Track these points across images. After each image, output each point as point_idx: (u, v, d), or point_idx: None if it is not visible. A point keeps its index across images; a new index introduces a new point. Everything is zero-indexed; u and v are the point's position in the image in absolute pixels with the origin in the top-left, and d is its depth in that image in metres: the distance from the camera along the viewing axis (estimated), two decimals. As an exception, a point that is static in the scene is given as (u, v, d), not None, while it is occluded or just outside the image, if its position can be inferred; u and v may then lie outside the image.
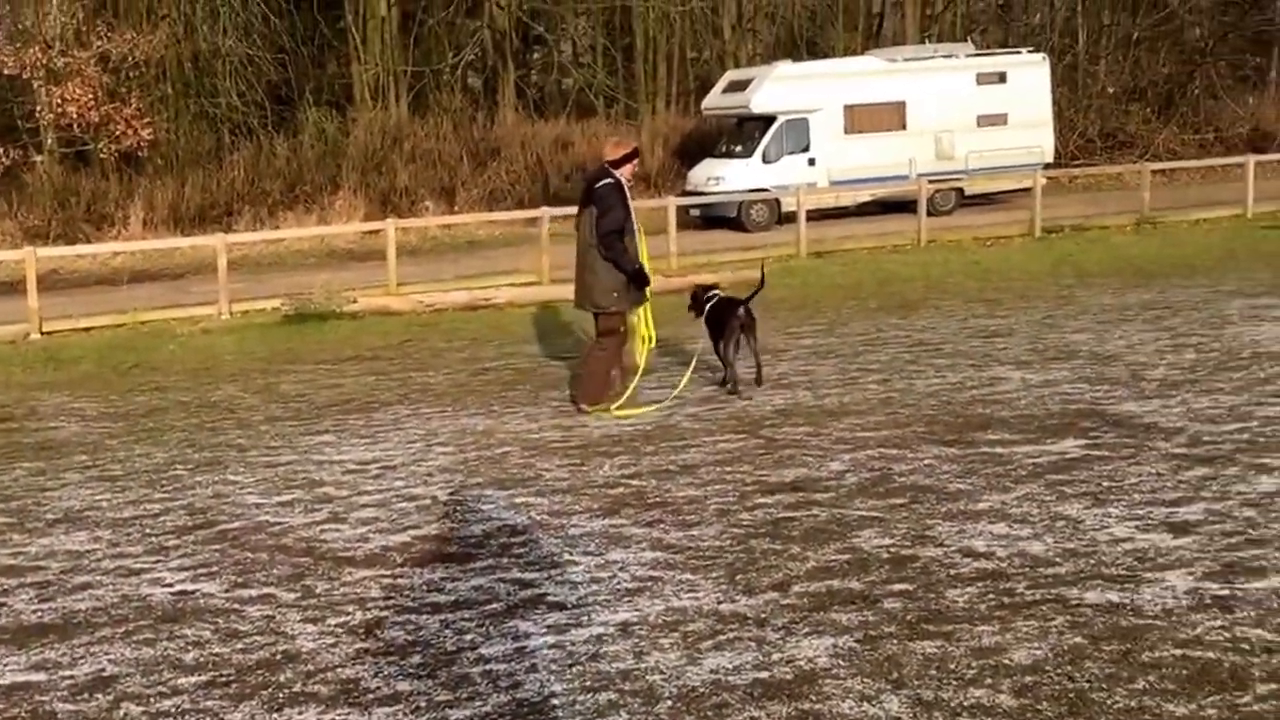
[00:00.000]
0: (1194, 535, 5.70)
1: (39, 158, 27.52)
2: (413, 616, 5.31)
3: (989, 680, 4.32)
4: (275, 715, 4.40)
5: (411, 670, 4.73)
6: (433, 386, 10.90)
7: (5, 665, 4.99)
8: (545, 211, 19.56)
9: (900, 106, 26.68)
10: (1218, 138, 33.52)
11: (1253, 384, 8.78)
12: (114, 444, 9.14)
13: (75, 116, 26.46)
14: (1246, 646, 4.46)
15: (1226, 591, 5.00)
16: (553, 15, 35.89)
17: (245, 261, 22.37)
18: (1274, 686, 4.12)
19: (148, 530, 6.80)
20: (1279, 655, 4.36)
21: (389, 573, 5.90)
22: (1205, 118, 34.40)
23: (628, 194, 9.24)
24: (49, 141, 27.75)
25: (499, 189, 29.09)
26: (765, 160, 25.95)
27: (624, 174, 9.31)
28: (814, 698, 4.26)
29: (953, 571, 5.42)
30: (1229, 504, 6.13)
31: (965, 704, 4.14)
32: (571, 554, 6.03)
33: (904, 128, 26.58)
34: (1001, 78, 27.58)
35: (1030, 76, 27.87)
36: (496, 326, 14.61)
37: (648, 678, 4.53)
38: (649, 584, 5.54)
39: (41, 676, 4.86)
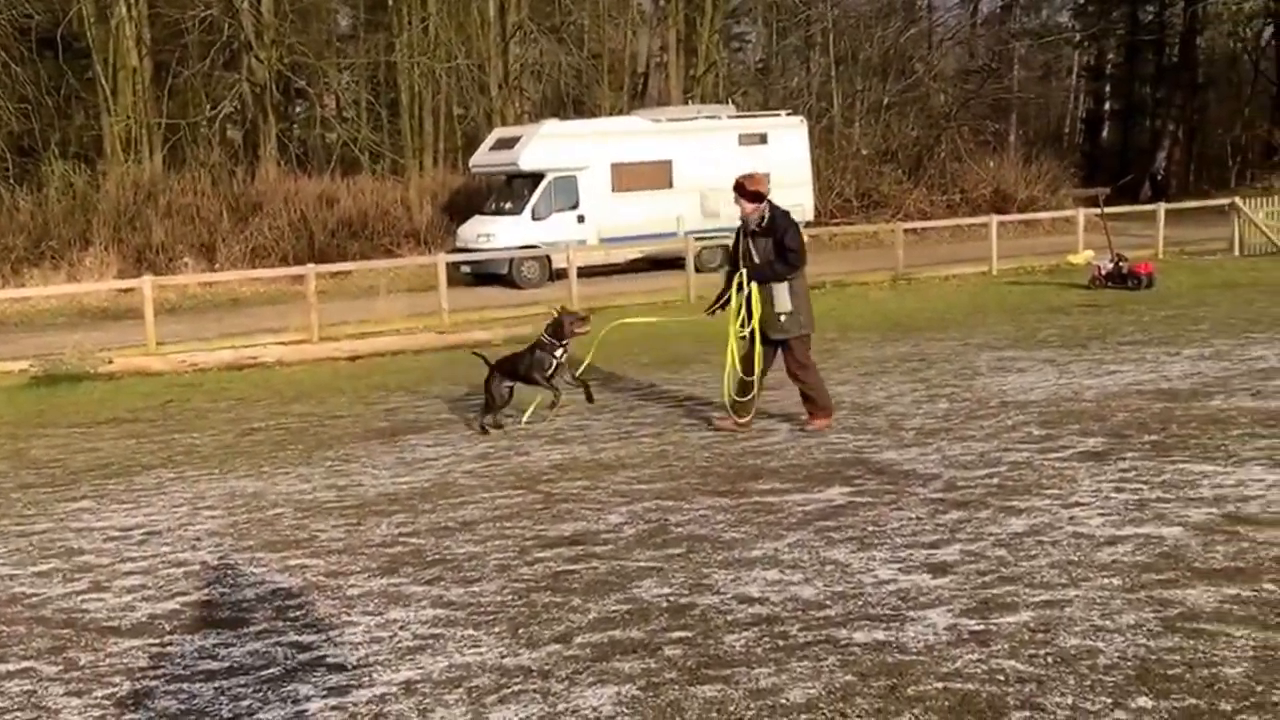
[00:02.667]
0: (951, 575, 6.00)
1: None
2: (185, 685, 5.14)
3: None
4: (39, 794, 4.20)
5: (185, 741, 4.59)
6: (198, 448, 10.57)
7: None
8: (311, 269, 19.25)
9: (666, 165, 27.37)
10: (963, 198, 35.49)
11: (1001, 431, 9.31)
12: None
13: None
14: (1002, 677, 4.73)
15: (982, 626, 5.29)
16: (314, 69, 35.44)
17: (-10, 321, 21.26)
18: (1028, 714, 4.38)
19: (-110, 606, 6.38)
20: (1031, 684, 4.64)
21: (157, 641, 5.70)
22: (951, 179, 36.39)
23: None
24: None
25: (262, 245, 28.46)
26: (535, 217, 26.20)
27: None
28: (599, 747, 4.32)
29: (729, 617, 5.57)
30: (982, 544, 6.49)
31: (745, 745, 4.27)
32: (350, 614, 5.95)
33: (670, 186, 27.26)
34: (763, 139, 28.65)
35: (789, 138, 29.04)
36: (264, 386, 14.26)
37: (433, 736, 4.51)
38: (431, 641, 5.51)
39: None
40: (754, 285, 9.60)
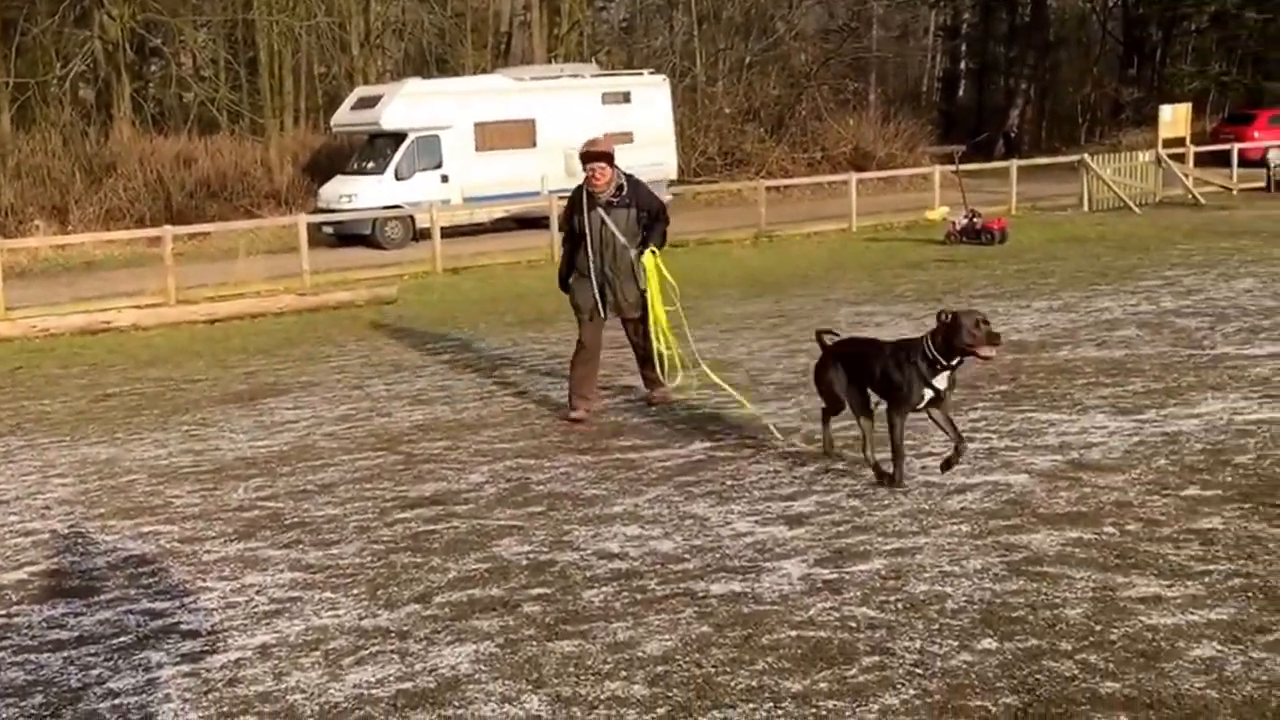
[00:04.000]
0: (807, 526, 6.13)
1: None
2: (32, 655, 5.03)
3: (624, 673, 4.52)
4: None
5: (33, 711, 4.49)
6: (49, 415, 10.27)
7: None
8: (168, 230, 18.75)
9: (530, 124, 27.19)
10: (824, 156, 35.89)
11: (857, 384, 9.49)
12: None
13: None
14: (854, 624, 4.86)
15: (835, 575, 5.42)
16: (170, 27, 34.35)
17: None
18: (877, 659, 4.51)
19: None
20: (881, 630, 4.78)
21: (3, 612, 5.56)
22: (812, 137, 36.76)
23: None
24: None
25: (117, 207, 27.61)
26: (398, 177, 25.84)
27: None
28: (457, 703, 4.34)
29: (589, 573, 5.62)
30: (837, 495, 6.64)
31: (602, 697, 4.33)
32: (205, 580, 5.87)
33: (534, 145, 27.09)
34: (626, 97, 28.62)
35: (653, 97, 29.05)
36: (119, 351, 13.89)
37: (288, 698, 4.48)
38: (288, 605, 5.46)
39: None
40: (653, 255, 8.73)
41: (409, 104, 26.14)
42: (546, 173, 26.41)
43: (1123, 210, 24.72)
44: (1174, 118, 29.17)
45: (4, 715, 4.46)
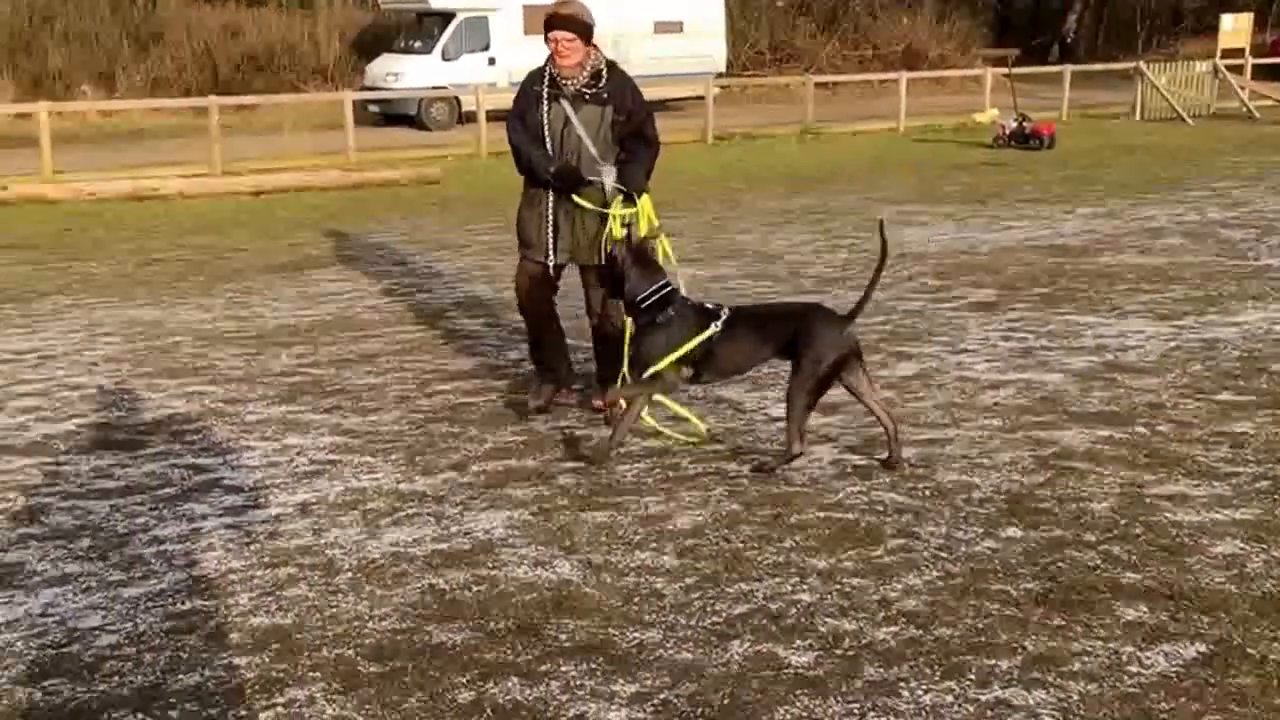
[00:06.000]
0: (840, 414, 6.18)
1: None
2: (79, 502, 5.18)
3: (654, 544, 4.62)
4: (-68, 602, 4.25)
5: (81, 553, 4.64)
6: (96, 277, 10.41)
7: None
8: (214, 101, 18.74)
9: (579, 9, 26.84)
10: (876, 55, 35.35)
11: (896, 282, 9.50)
12: None
13: None
14: (881, 508, 4.94)
15: (865, 462, 5.49)
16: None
17: (-126, 143, 20.51)
18: (903, 541, 4.59)
19: None
20: (908, 515, 4.85)
21: (52, 460, 5.71)
22: (864, 35, 36.17)
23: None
24: None
25: (163, 76, 27.61)
26: (445, 58, 25.67)
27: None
28: (490, 564, 4.46)
29: (622, 450, 5.71)
30: (871, 386, 6.67)
31: (631, 565, 4.43)
32: (247, 440, 6.00)
33: (579, 30, 26.77)
34: (677, -16, 28.20)
35: (706, -14, 28.60)
36: (165, 218, 14.00)
37: (327, 552, 4.62)
38: (327, 467, 5.59)
39: None
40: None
41: (459, -16, 25.88)
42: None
43: (1175, 121, 24.30)
44: (1235, 27, 28.52)
45: (52, 555, 4.62)
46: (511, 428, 6.10)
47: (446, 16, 25.91)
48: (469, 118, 23.27)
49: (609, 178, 6.02)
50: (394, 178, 16.73)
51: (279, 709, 3.51)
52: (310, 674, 3.69)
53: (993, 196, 14.29)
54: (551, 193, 6.06)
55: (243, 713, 3.49)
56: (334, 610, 4.11)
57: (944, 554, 4.47)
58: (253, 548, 4.67)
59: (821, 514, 4.89)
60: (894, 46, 35.63)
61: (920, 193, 14.90)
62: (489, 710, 3.49)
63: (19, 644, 3.91)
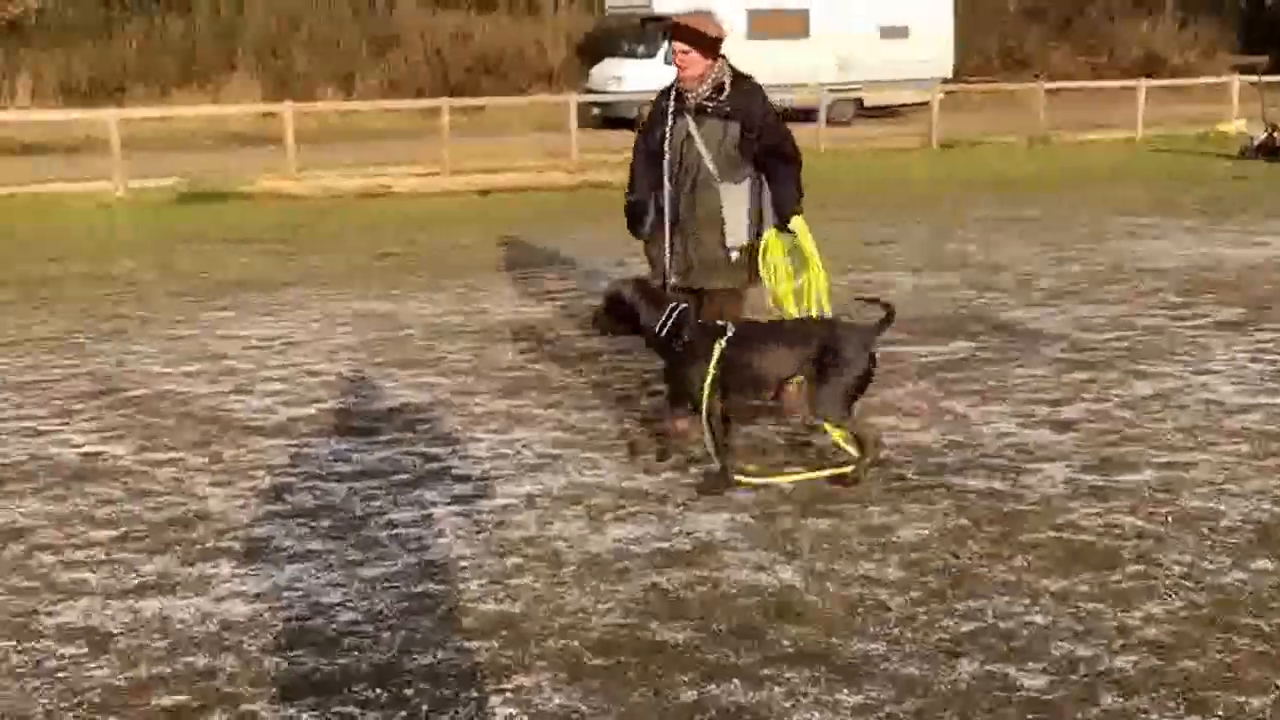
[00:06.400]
0: (1073, 432, 5.98)
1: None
2: (320, 483, 5.40)
3: (878, 555, 4.55)
4: (189, 569, 4.48)
5: (322, 532, 4.84)
6: (333, 269, 10.85)
7: (-89, 516, 5.01)
8: (446, 102, 19.34)
9: (804, 14, 26.78)
10: (1111, 61, 34.15)
11: (1133, 297, 9.14)
12: (8, 311, 9.01)
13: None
14: (1119, 531, 4.75)
15: (1102, 482, 5.29)
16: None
17: (138, 139, 21.76)
18: (1142, 567, 4.40)
19: (52, 394, 6.78)
20: (1150, 540, 4.65)
21: (295, 442, 5.97)
22: (1101, 41, 34.98)
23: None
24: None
25: (398, 78, 28.66)
26: (667, 62, 25.77)
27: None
28: (712, 566, 4.46)
29: (844, 457, 5.64)
30: (1107, 405, 6.44)
31: (855, 575, 4.37)
32: (475, 431, 6.15)
33: (807, 35, 26.68)
34: (906, -11, 27.81)
35: (935, -11, 28.13)
36: (396, 214, 14.52)
37: (552, 544, 4.69)
38: (551, 461, 5.68)
39: (-51, 528, 4.89)
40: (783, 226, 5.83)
41: (684, -12, 26.05)
42: (817, 64, 26.02)
43: None
44: None
45: (296, 533, 4.82)
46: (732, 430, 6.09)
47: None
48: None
49: (728, 197, 5.79)
50: (615, 180, 16.94)
51: (508, 694, 3.58)
52: (538, 663, 3.76)
53: (1239, 211, 13.62)
54: (667, 208, 5.88)
55: (474, 695, 3.57)
56: (560, 602, 4.18)
57: (1188, 583, 4.26)
58: (481, 536, 4.79)
59: (1054, 534, 4.73)
60: (1132, 53, 34.35)
61: (1158, 204, 14.30)
62: (712, 711, 3.49)
63: (267, 614, 4.10)
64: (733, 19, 25.85)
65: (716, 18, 5.82)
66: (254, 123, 24.09)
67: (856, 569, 4.43)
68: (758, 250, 5.85)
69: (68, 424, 6.26)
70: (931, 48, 27.45)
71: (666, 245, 5.90)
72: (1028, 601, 4.14)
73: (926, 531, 4.77)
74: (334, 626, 4.02)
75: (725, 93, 5.75)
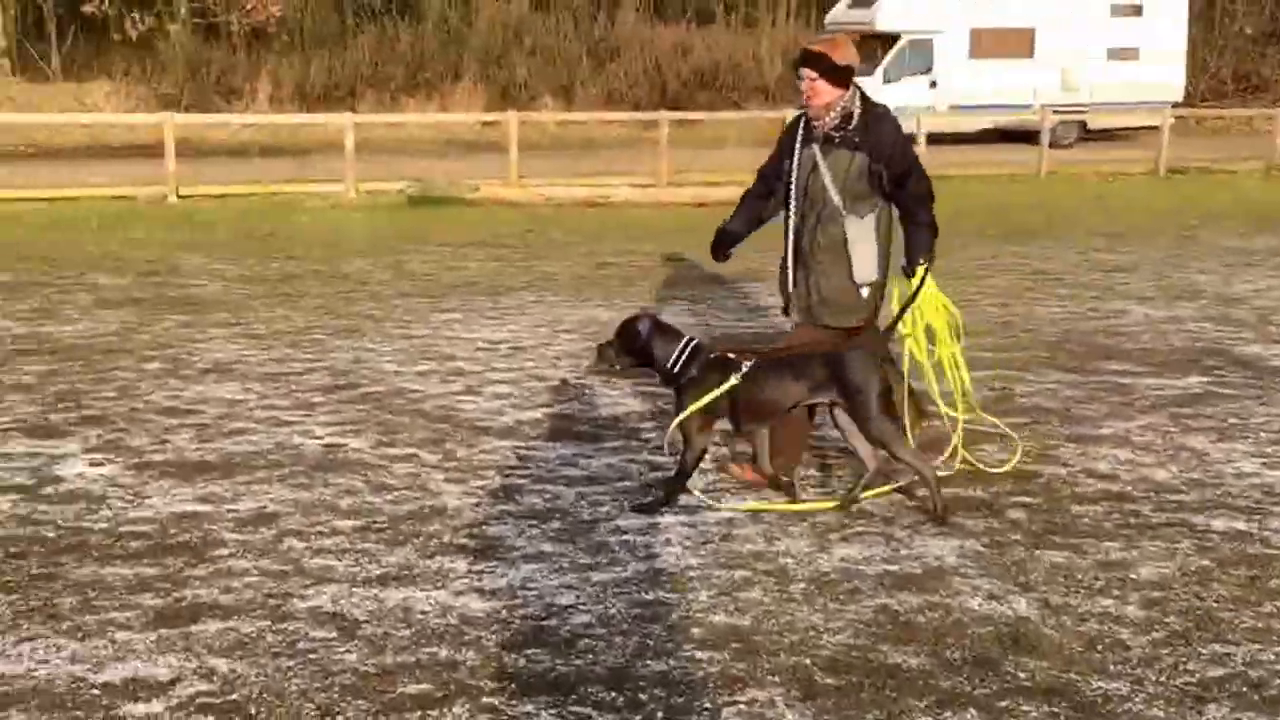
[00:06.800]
0: (1323, 475, 5.71)
1: (172, 26, 27.95)
2: (548, 486, 5.53)
3: (1116, 591, 4.43)
4: (427, 562, 4.65)
5: (552, 534, 4.96)
6: (555, 276, 11.09)
7: (175, 495, 5.33)
8: (664, 115, 19.57)
9: (1029, 33, 26.15)
10: (1357, 87, 32.39)
11: (1385, 336, 8.67)
12: (254, 305, 9.51)
13: (208, -13, 27.01)
14: (1375, 583, 4.52)
15: (1358, 530, 5.04)
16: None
17: (367, 144, 22.65)
18: (1402, 623, 4.18)
19: (294, 386, 7.12)
20: None
21: (523, 445, 6.13)
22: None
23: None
24: (182, 11, 28.17)
25: (616, 90, 29.10)
26: (885, 79, 25.63)
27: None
28: (943, 592, 4.41)
29: (1076, 489, 5.51)
30: (1360, 449, 6.13)
31: (1094, 611, 4.26)
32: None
33: (1031, 55, 26.07)
34: (1137, 10, 26.89)
35: (1167, 11, 27.12)
36: (614, 224, 14.75)
37: (780, 560, 4.71)
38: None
39: (208, 508, 5.19)
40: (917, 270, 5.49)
41: (906, 5, 25.79)
42: (1040, 85, 25.41)
43: None
44: None
45: (528, 534, 4.96)
46: (955, 456, 6.00)
47: (890, 38, 25.88)
48: (906, 140, 23.18)
49: (853, 231, 5.47)
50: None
51: (741, 706, 3.61)
52: (769, 677, 3.78)
53: None
54: (791, 241, 5.65)
55: (707, 705, 3.62)
56: (789, 618, 4.19)
57: None
58: (708, 547, 4.84)
59: (1305, 582, 4.52)
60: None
61: None
62: (947, 739, 3.46)
63: (503, 612, 4.23)
64: (955, 37, 25.57)
65: (850, 46, 5.57)
66: (475, 130, 24.84)
67: (1094, 605, 4.32)
68: (883, 287, 5.60)
69: (309, 416, 6.56)
70: (1162, 70, 26.48)
71: (790, 280, 5.70)
72: (1279, 650, 3.97)
73: (1167, 570, 4.62)
74: (568, 628, 4.12)
75: (853, 122, 5.46)
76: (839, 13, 28.12)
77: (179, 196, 16.07)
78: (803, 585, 4.47)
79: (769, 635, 4.06)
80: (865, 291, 5.52)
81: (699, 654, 3.93)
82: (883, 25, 25.90)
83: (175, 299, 9.70)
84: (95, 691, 3.69)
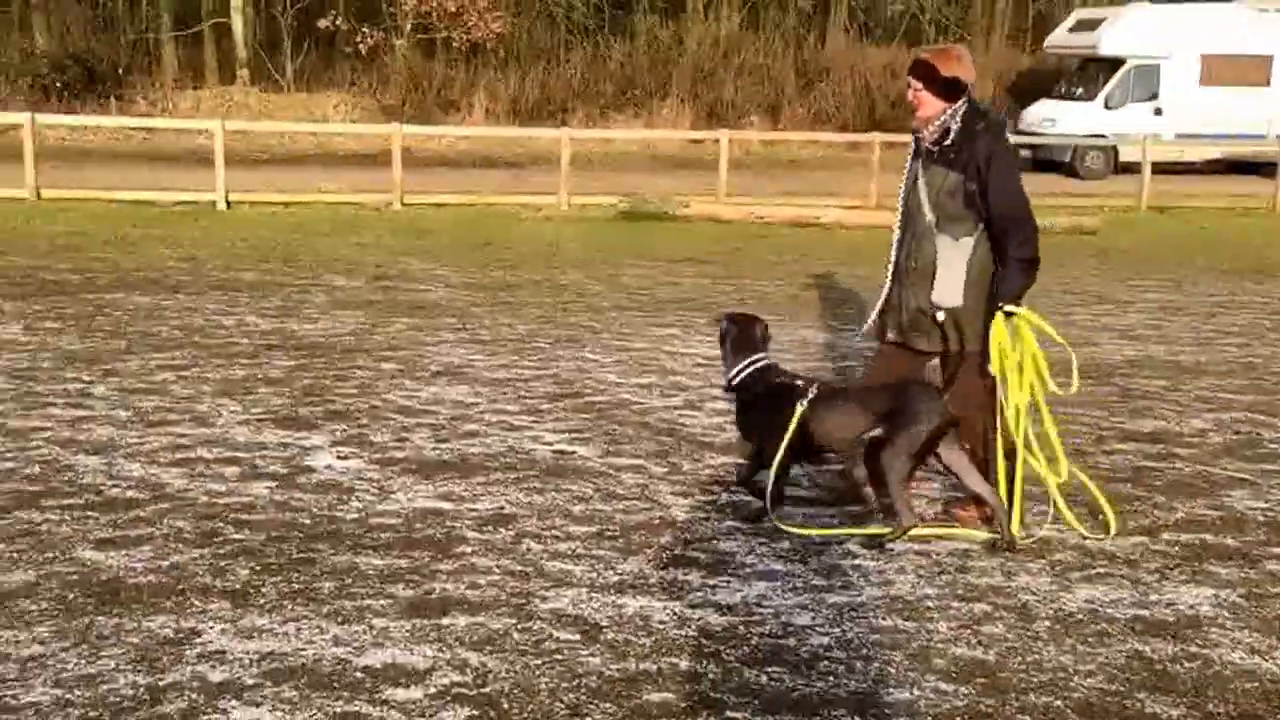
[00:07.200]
0: None
1: (398, 41, 28.91)
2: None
3: (1389, 654, 4.18)
4: (662, 572, 4.68)
5: (782, 553, 4.93)
6: (767, 295, 11.06)
7: (417, 491, 5.49)
8: (875, 137, 19.38)
9: (1265, 61, 25.07)
10: None
11: None
12: (479, 311, 9.74)
13: (435, 5, 27.75)
14: None
15: None
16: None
17: (577, 158, 23.05)
18: None
19: (521, 392, 7.26)
20: None
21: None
22: None
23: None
24: (408, 27, 29.11)
25: (824, 110, 28.93)
26: (1107, 105, 24.92)
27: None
28: (1200, 642, 4.23)
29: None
30: None
31: (1364, 673, 4.04)
32: (925, 471, 6.07)
33: (1267, 83, 24.98)
34: (1382, 40, 25.53)
35: None
36: (824, 245, 14.64)
37: (1020, 596, 4.59)
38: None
39: (449, 506, 5.33)
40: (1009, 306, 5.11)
41: (1132, 29, 25.00)
42: (1276, 115, 24.31)
43: None
44: None
45: (758, 551, 4.93)
46: (1203, 500, 5.76)
47: (1114, 63, 25.13)
48: (1125, 169, 22.45)
49: (943, 252, 5.22)
50: (1047, 225, 16.40)
51: (992, 744, 3.52)
52: (1019, 715, 3.68)
53: None
54: (892, 256, 5.48)
55: (958, 740, 3.54)
56: (1035, 656, 4.07)
57: None
58: (944, 578, 4.74)
59: None
60: None
61: None
62: (1214, 796, 3.30)
63: (740, 627, 4.22)
64: (1184, 64, 24.67)
65: (963, 59, 5.26)
66: (681, 146, 25.01)
67: (1364, 666, 4.08)
68: (967, 317, 5.24)
69: (538, 422, 6.68)
70: None
71: (884, 297, 5.54)
72: None
73: None
74: (806, 648, 4.08)
75: (950, 137, 5.21)
76: (1059, 36, 27.47)
77: (403, 204, 16.61)
78: (1047, 624, 4.34)
79: (1016, 673, 3.95)
80: (940, 315, 5.24)
81: (944, 685, 3.85)
82: (1106, 50, 25.17)
83: (405, 302, 10.00)
84: (359, 674, 3.81)
